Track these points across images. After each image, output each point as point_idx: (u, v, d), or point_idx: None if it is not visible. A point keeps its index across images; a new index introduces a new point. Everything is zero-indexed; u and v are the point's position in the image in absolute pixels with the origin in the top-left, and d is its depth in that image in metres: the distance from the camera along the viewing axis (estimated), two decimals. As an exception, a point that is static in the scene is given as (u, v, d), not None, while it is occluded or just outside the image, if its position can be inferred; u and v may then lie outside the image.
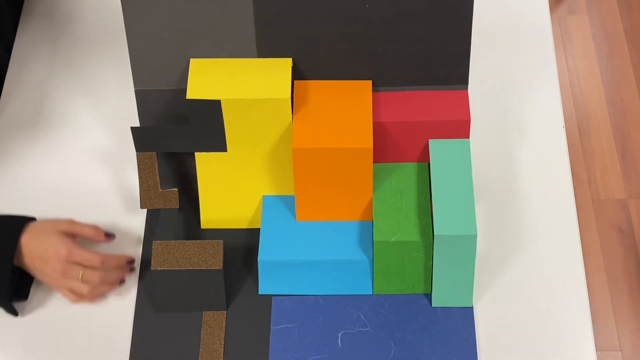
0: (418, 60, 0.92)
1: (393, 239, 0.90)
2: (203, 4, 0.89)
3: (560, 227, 1.00)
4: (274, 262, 0.94)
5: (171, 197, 0.99)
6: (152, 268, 0.91)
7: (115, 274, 0.94)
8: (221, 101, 0.89)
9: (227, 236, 0.98)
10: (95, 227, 0.96)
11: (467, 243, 0.88)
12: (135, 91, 0.95)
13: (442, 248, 0.88)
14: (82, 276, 0.90)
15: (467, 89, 0.95)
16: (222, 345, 0.92)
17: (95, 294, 0.93)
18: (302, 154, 0.90)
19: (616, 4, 2.39)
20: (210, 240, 0.93)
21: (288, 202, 0.97)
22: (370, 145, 0.89)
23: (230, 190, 0.98)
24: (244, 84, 0.91)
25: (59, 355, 0.92)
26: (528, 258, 0.98)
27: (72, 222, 0.95)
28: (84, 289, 0.91)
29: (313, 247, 0.94)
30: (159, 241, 0.93)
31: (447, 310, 0.94)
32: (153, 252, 0.92)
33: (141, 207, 0.98)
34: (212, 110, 0.90)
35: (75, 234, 0.94)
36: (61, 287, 0.92)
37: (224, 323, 0.93)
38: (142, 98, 0.96)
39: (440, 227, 0.87)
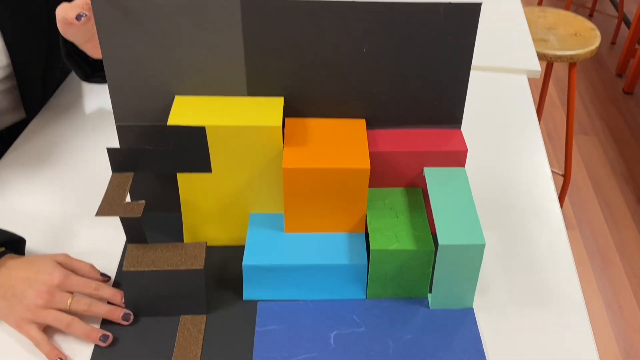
0: (413, 102, 0.89)
1: (391, 248, 0.83)
2: (188, 41, 0.84)
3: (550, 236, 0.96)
4: (259, 267, 0.84)
5: (135, 206, 0.82)
6: (124, 269, 0.80)
7: (103, 311, 0.81)
8: (206, 128, 0.82)
9: (211, 253, 0.90)
10: (91, 265, 0.86)
11: (474, 253, 0.80)
12: (117, 126, 0.89)
13: (447, 258, 0.81)
14: (70, 303, 0.79)
15: (460, 128, 0.93)
16: (200, 347, 0.80)
17: (72, 329, 0.79)
18: (292, 174, 0.83)
19: (604, 221, 2.44)
20: (192, 242, 0.84)
21: (276, 218, 0.90)
22: (368, 166, 0.83)
23: (214, 207, 0.90)
24: (231, 113, 0.85)
25: (17, 350, 0.80)
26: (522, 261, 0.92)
27: (67, 255, 0.86)
28: (63, 321, 0.78)
29: (300, 252, 0.86)
30: (134, 244, 0.83)
31: (446, 311, 0.85)
32: (127, 253, 0.81)
33: (96, 215, 0.81)
34: (195, 136, 0.83)
35: (70, 268, 0.84)
36: (31, 321, 0.79)
37: (204, 326, 0.82)
38: (124, 133, 0.90)
39: (444, 237, 0.80)
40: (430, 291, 0.86)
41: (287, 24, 0.83)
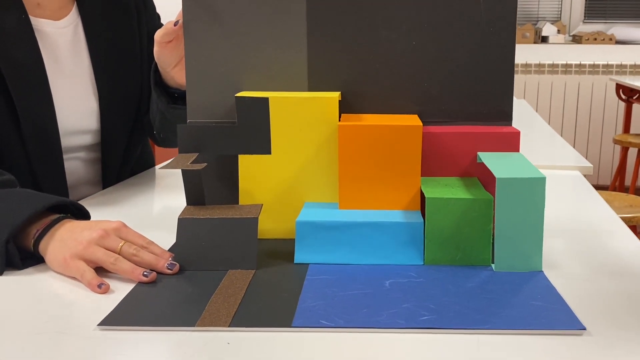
0: (462, 96, 0.89)
1: (447, 197, 0.77)
2: (259, 38, 0.88)
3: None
4: (313, 224, 0.78)
5: (197, 165, 0.82)
6: (180, 217, 0.78)
7: (149, 258, 0.76)
8: (269, 99, 0.85)
9: (264, 245, 0.84)
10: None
11: (535, 189, 0.73)
12: (188, 122, 0.91)
13: (506, 198, 0.73)
14: (121, 246, 0.76)
15: (511, 125, 0.89)
16: (245, 288, 0.71)
17: (118, 265, 0.75)
18: (348, 131, 0.82)
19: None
20: (248, 204, 0.82)
21: (330, 205, 0.86)
22: (420, 123, 0.82)
23: (271, 196, 0.87)
24: (293, 94, 0.88)
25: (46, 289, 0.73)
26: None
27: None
28: (111, 256, 0.75)
29: (355, 214, 0.81)
30: (191, 205, 0.82)
31: (513, 273, 0.75)
32: (184, 210, 0.81)
33: (160, 167, 0.85)
34: (259, 108, 0.85)
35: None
36: (81, 256, 0.75)
37: (251, 276, 0.74)
38: None
39: (501, 173, 0.74)
40: (492, 261, 0.77)
41: (346, 17, 0.87)
